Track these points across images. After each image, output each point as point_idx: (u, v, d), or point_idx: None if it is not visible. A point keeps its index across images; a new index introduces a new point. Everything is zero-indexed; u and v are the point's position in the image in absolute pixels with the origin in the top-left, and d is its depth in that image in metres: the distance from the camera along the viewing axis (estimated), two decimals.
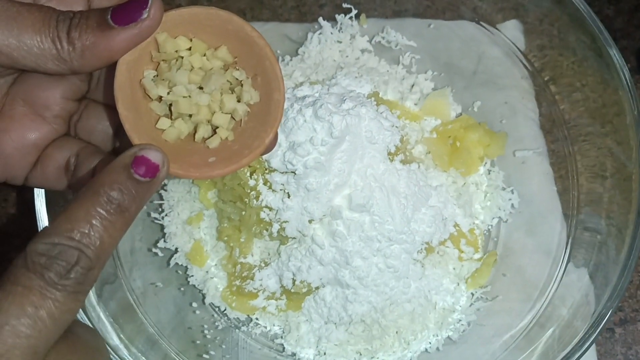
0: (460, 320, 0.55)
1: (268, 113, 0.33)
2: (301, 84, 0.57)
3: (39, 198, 0.47)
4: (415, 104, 0.61)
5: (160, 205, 0.58)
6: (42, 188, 0.44)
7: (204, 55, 0.33)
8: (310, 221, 0.50)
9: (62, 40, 0.29)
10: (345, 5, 0.61)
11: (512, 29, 0.59)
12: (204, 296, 0.57)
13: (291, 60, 0.61)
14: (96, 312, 0.48)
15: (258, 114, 0.33)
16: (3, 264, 0.60)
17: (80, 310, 0.46)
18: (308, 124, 0.48)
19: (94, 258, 0.28)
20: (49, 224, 0.32)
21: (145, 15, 0.29)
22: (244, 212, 0.52)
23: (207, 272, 0.57)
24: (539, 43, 0.59)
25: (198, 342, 0.54)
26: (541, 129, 0.59)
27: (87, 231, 0.28)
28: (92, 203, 0.28)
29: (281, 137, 0.49)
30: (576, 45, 0.54)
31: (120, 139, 0.35)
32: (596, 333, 0.44)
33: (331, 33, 0.61)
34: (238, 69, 0.33)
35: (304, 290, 0.52)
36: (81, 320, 0.46)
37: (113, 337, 0.48)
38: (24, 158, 0.34)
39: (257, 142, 0.33)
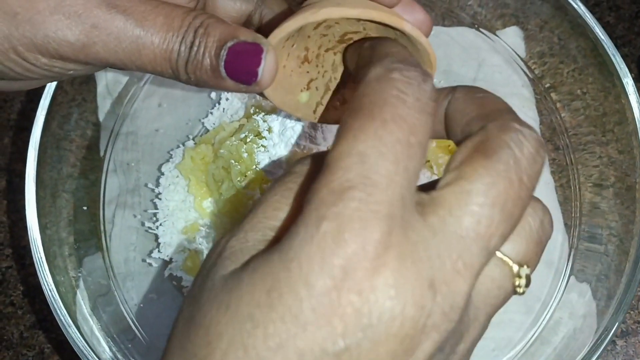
0: None
1: None
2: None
3: (30, 206, 0.46)
4: None
5: (155, 214, 0.57)
6: None
7: None
8: None
9: (180, 73, 0.30)
10: None
11: (512, 36, 0.59)
12: None
13: None
14: (89, 326, 0.47)
15: None
16: None
17: (72, 323, 0.45)
18: (306, 134, 0.47)
19: None
20: None
21: (255, 81, 0.29)
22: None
23: None
24: (539, 50, 0.58)
25: None
26: (541, 137, 0.58)
27: None
28: None
29: (280, 147, 0.48)
30: (577, 53, 0.54)
31: None
32: (602, 348, 0.44)
33: None
34: None
35: None
36: (73, 334, 0.45)
37: (106, 351, 0.47)
38: None
39: None
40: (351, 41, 0.31)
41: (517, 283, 0.24)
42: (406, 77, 0.22)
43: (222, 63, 0.29)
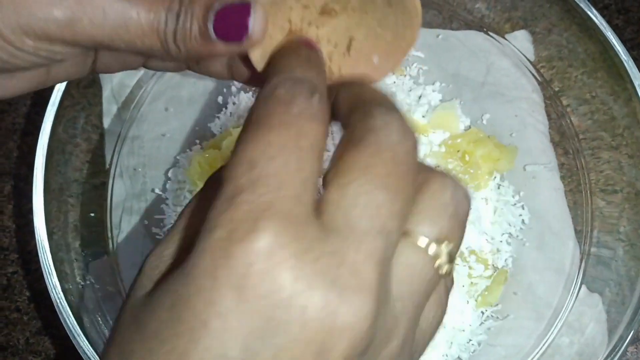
0: (470, 340, 0.54)
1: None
2: None
3: (38, 213, 0.46)
4: (423, 117, 0.60)
5: (162, 220, 0.56)
6: None
7: None
8: None
9: (169, 45, 0.29)
10: None
11: (521, 39, 0.58)
12: None
13: None
14: (95, 332, 0.47)
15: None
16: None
17: (79, 330, 0.45)
18: None
19: None
20: None
21: (246, 36, 0.29)
22: None
23: None
24: (547, 54, 0.57)
25: None
26: (550, 141, 0.58)
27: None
28: None
29: None
30: (585, 56, 0.53)
31: None
32: (617, 357, 0.43)
33: None
34: None
35: None
36: (80, 341, 0.44)
37: None
38: None
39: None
40: (333, 13, 0.31)
41: (437, 263, 0.23)
42: (292, 92, 0.23)
43: (211, 26, 0.29)
